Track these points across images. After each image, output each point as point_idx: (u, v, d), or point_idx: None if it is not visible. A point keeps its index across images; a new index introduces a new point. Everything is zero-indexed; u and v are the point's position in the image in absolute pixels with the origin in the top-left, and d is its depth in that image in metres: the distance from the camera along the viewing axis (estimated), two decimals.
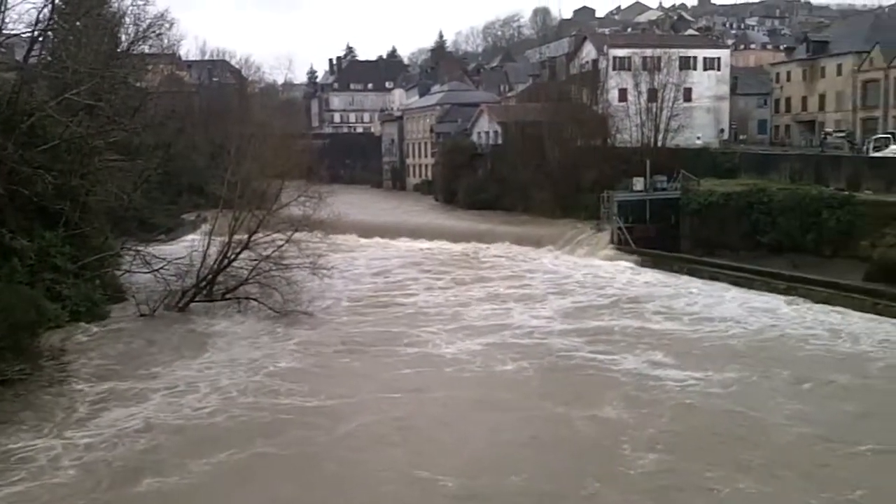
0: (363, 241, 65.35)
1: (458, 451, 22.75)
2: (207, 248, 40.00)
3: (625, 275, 48.55)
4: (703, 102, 78.44)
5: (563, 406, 25.70)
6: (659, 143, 66.11)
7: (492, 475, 21.00)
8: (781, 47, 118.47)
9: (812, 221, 45.41)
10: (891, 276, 38.53)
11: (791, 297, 40.00)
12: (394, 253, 59.91)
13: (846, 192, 46.24)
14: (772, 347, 32.35)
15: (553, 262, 54.06)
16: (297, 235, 40.03)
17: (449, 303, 41.42)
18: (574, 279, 47.43)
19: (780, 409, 24.99)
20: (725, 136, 79.81)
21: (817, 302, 38.84)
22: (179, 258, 40.44)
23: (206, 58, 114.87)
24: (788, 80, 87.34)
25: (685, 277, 46.90)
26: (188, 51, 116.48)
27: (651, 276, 48.11)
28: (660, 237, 53.36)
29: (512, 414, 25.35)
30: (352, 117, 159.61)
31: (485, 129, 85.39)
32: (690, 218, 53.15)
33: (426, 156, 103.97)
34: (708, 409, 25.29)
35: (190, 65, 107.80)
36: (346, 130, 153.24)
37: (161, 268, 39.87)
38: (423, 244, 63.20)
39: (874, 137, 58.32)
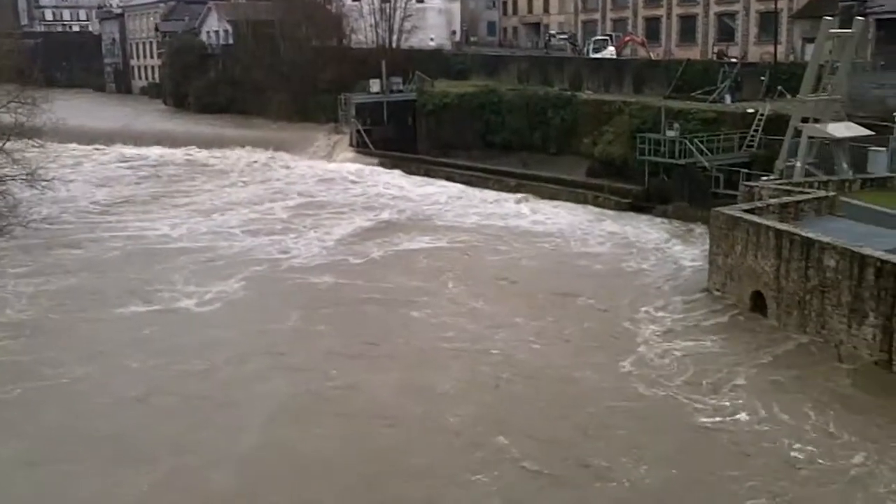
0: (86, 149, 61.28)
1: (220, 459, 15.91)
2: None
3: (369, 179, 48.56)
4: (435, 4, 79.23)
5: (365, 370, 20.26)
6: (394, 45, 66.20)
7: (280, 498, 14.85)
8: None
9: (539, 120, 47.52)
10: (610, 171, 41.38)
11: (522, 195, 42.05)
12: (123, 164, 56.31)
13: (569, 92, 48.67)
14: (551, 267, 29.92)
15: (295, 167, 53.11)
16: (9, 145, 36.81)
17: (193, 227, 36.83)
18: (323, 188, 46.03)
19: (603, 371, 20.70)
20: (458, 37, 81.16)
21: (545, 198, 41.22)
22: None
23: None
24: None
25: (433, 180, 47.22)
26: None
27: (397, 178, 48.39)
28: (398, 139, 54.00)
29: (299, 386, 19.30)
30: (66, 14, 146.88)
31: (214, 27, 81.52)
32: (426, 119, 54.03)
33: (152, 57, 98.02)
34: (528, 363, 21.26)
35: None
36: (60, 29, 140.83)
37: None
38: (152, 151, 60.07)
39: (593, 39, 61.29)
